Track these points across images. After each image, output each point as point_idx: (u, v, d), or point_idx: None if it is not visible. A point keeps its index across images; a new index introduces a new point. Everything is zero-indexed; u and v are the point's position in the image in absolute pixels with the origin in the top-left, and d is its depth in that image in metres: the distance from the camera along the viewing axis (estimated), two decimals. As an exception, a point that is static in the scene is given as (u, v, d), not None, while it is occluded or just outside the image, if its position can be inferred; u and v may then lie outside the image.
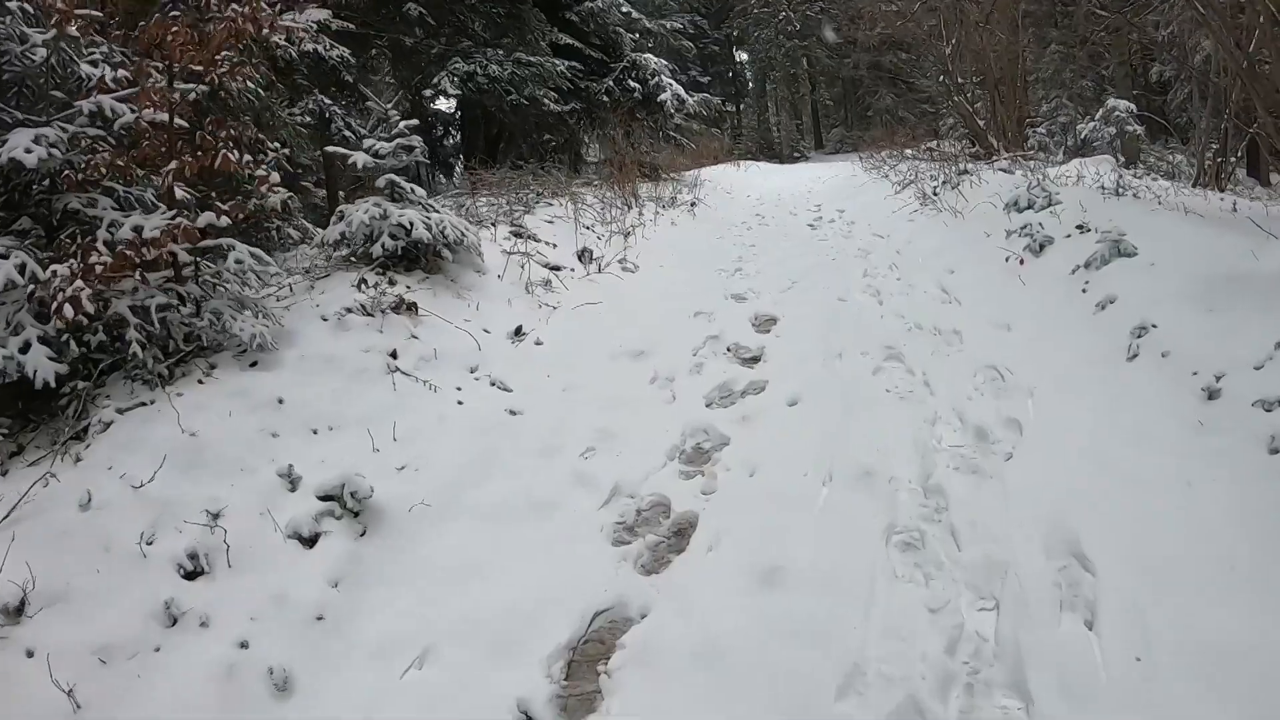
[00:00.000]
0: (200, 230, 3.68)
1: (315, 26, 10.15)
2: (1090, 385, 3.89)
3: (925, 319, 5.27)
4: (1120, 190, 6.04)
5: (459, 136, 14.36)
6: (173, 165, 3.74)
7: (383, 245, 5.06)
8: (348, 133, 10.59)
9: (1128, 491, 2.96)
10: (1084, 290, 4.82)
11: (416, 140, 5.36)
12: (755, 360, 5.09)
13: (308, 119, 9.91)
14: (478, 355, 4.68)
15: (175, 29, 3.73)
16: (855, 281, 6.61)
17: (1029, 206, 6.52)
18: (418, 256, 5.19)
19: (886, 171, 12.38)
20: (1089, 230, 5.43)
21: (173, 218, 3.59)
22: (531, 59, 10.52)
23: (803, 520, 3.10)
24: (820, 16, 31.86)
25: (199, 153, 3.81)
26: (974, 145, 13.26)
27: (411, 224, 5.01)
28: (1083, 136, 13.23)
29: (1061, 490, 3.04)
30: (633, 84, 13.57)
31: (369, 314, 4.61)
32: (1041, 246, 5.66)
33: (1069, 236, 5.59)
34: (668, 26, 28.42)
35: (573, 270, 6.37)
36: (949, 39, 13.45)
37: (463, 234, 5.29)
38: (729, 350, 5.26)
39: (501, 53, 11.14)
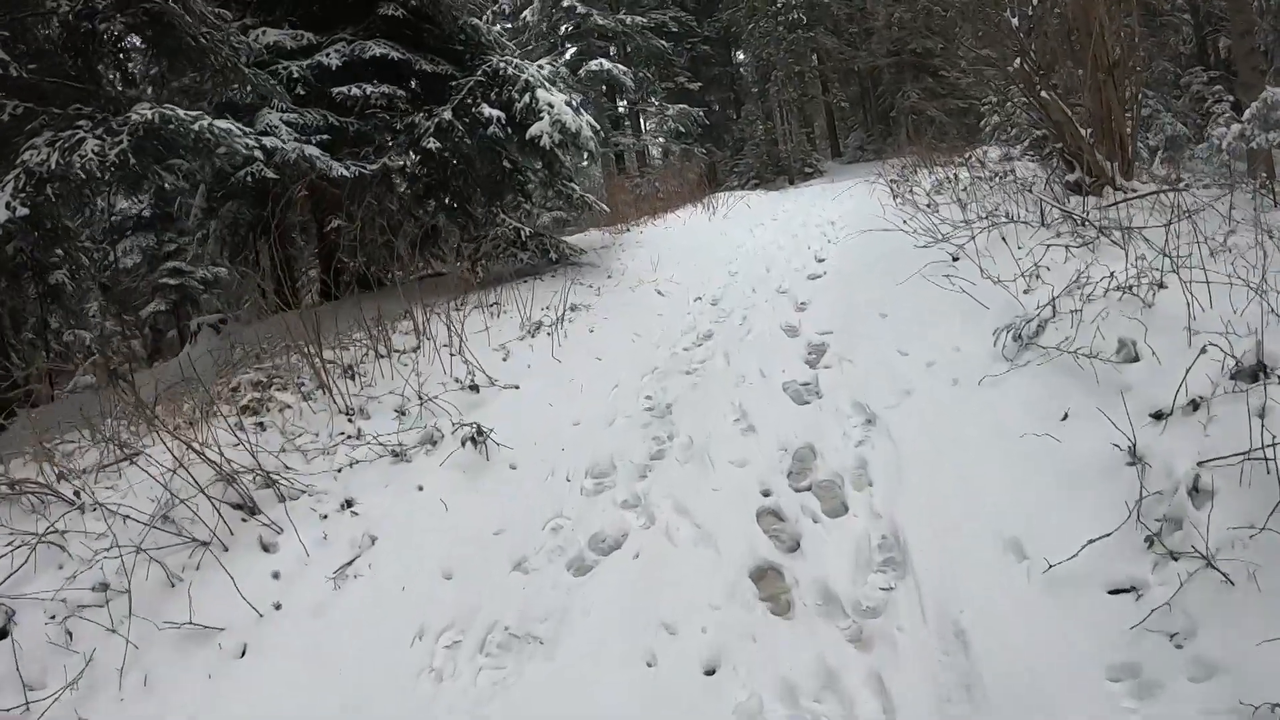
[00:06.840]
0: None
1: None
2: None
3: None
4: None
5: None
6: None
7: None
8: None
9: None
10: None
11: None
12: None
13: None
14: None
15: None
16: None
17: None
18: None
19: (938, 230, 6.70)
20: None
21: None
22: (165, 113, 5.01)
23: None
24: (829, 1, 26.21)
25: None
26: (1070, 168, 7.65)
27: None
28: (1222, 145, 8.47)
29: None
30: (488, 110, 8.09)
31: None
32: None
33: None
34: (629, 23, 22.61)
35: None
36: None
37: None
38: None
39: (186, 103, 5.80)
